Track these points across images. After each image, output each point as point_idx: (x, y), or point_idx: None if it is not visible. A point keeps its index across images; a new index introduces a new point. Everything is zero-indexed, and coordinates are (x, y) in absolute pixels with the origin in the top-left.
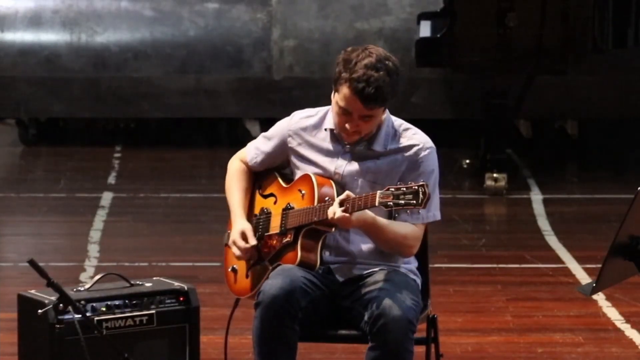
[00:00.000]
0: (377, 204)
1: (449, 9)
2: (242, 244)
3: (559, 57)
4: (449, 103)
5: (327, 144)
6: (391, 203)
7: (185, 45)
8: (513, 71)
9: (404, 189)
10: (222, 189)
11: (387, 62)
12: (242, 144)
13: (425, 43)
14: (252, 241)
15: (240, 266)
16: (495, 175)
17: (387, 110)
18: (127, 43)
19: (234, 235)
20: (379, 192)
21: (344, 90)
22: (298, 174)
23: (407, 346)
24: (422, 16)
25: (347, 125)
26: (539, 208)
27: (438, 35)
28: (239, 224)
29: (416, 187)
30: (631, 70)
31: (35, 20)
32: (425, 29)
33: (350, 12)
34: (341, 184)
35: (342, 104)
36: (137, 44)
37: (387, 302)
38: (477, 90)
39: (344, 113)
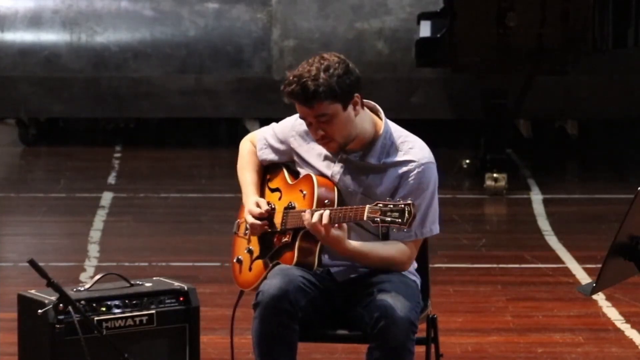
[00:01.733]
0: (365, 217)
1: (449, 9)
2: (256, 209)
3: (559, 57)
4: (449, 103)
5: (325, 150)
6: (378, 219)
7: (185, 45)
8: (513, 71)
9: (392, 205)
10: (222, 189)
11: (322, 61)
12: None
13: (425, 43)
14: (265, 206)
15: (245, 258)
16: (495, 175)
17: (385, 120)
18: (127, 43)
19: (249, 205)
20: (367, 206)
21: (292, 102)
22: (301, 173)
23: (409, 347)
24: (422, 16)
25: (314, 135)
26: (539, 208)
27: (438, 35)
28: (252, 198)
29: (402, 206)
30: (631, 70)
31: (35, 20)
32: (425, 29)
33: (350, 12)
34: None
35: (298, 115)
36: (137, 44)
37: (387, 303)
38: (477, 90)
39: (307, 125)
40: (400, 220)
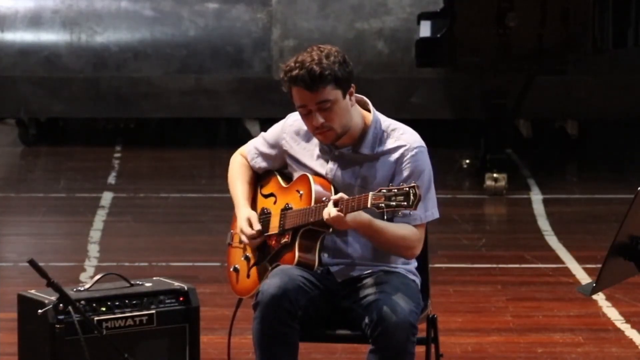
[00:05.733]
0: (369, 205)
1: (449, 9)
2: (248, 230)
3: (559, 57)
4: (449, 103)
5: (318, 149)
6: (383, 204)
7: (185, 45)
8: (513, 71)
9: (395, 190)
10: (222, 189)
11: (321, 49)
12: (242, 144)
13: (425, 43)
14: (257, 226)
15: (242, 266)
16: (495, 175)
17: (374, 111)
18: (127, 43)
19: (241, 223)
20: (371, 193)
21: (290, 90)
22: (295, 175)
23: (409, 349)
24: (422, 16)
25: (313, 123)
26: (539, 208)
27: (438, 35)
28: (244, 212)
29: (407, 189)
30: (631, 70)
31: (35, 20)
32: (425, 29)
33: (350, 12)
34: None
35: (296, 103)
36: (137, 44)
37: (387, 306)
38: (477, 90)
39: (305, 113)
40: (405, 203)
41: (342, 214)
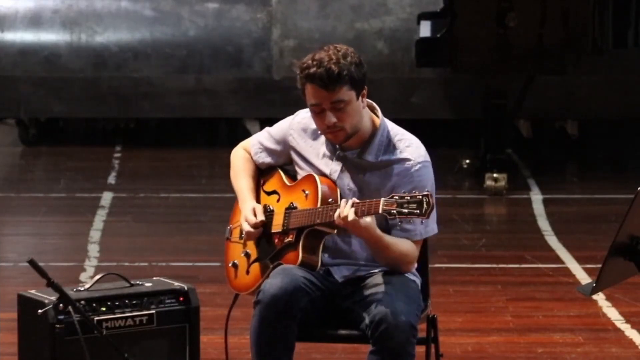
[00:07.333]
0: (380, 211)
1: (449, 9)
2: (252, 217)
3: (559, 57)
4: (449, 103)
5: (324, 148)
6: (394, 211)
7: (185, 45)
8: (513, 71)
9: (408, 197)
10: (222, 189)
11: (338, 49)
12: None
13: (425, 43)
14: (261, 217)
15: (241, 262)
16: (495, 175)
17: (382, 118)
18: (127, 43)
19: (246, 212)
20: (382, 199)
21: (304, 86)
22: (300, 173)
23: (409, 350)
24: (422, 16)
25: (325, 122)
26: (539, 208)
27: (438, 35)
28: (249, 203)
29: (420, 197)
30: (631, 70)
31: (35, 20)
32: (425, 29)
33: (350, 12)
34: None
35: (310, 101)
36: (137, 44)
37: (388, 306)
38: (477, 90)
39: (317, 112)
40: (418, 211)
41: (358, 218)
